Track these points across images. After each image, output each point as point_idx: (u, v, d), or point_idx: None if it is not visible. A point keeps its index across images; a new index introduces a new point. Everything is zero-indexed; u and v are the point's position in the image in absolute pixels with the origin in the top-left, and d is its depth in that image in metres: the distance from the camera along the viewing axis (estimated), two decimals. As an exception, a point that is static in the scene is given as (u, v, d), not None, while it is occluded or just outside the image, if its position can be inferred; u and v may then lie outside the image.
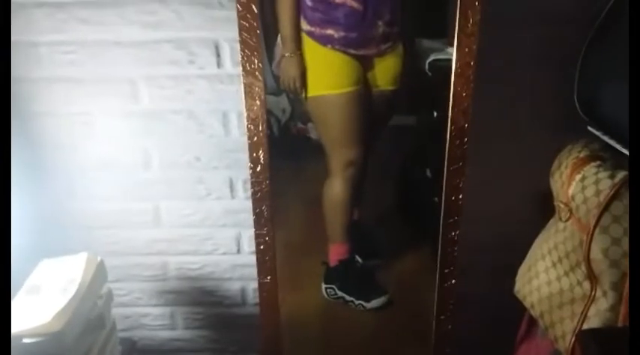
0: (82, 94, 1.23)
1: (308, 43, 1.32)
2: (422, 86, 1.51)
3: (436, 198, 1.34)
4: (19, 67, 1.20)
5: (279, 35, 1.32)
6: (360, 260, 1.60)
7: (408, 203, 1.68)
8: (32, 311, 1.01)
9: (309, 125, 1.58)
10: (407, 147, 1.65)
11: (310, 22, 1.31)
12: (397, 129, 1.58)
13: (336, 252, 1.54)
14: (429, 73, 1.46)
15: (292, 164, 1.54)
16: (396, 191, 1.71)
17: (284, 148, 1.52)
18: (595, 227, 0.97)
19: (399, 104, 1.53)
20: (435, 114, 1.47)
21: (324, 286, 1.56)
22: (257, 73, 1.12)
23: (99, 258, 1.16)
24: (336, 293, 1.56)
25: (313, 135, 1.57)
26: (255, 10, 1.06)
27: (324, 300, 1.59)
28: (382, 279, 1.60)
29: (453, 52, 1.12)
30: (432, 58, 1.44)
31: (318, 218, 1.56)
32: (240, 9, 1.06)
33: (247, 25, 1.07)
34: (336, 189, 1.47)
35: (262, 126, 1.17)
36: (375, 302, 1.54)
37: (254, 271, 1.35)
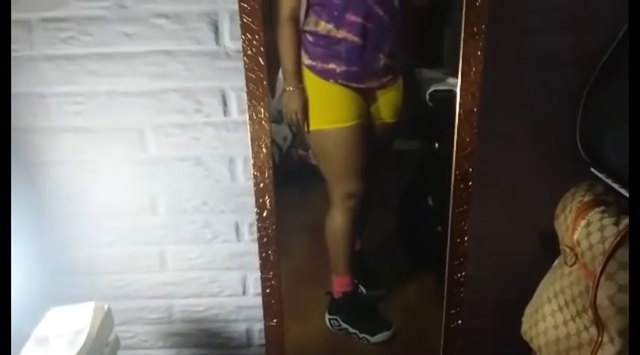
0: (89, 143, 1.24)
1: (309, 77, 1.33)
2: (423, 116, 1.52)
3: (439, 227, 1.35)
4: (28, 117, 1.22)
5: (280, 69, 1.34)
6: (363, 290, 1.60)
7: (411, 232, 1.68)
8: (41, 364, 1.02)
9: (311, 152, 1.59)
10: (408, 174, 1.66)
11: (312, 57, 1.32)
12: (399, 154, 1.59)
13: (339, 284, 1.54)
14: (430, 104, 1.47)
15: (295, 191, 1.54)
16: (398, 219, 1.71)
17: (286, 176, 1.52)
18: (601, 274, 0.98)
19: (400, 130, 1.55)
20: (437, 145, 1.48)
21: (327, 317, 1.56)
22: (263, 121, 1.14)
23: (106, 307, 1.16)
24: (340, 325, 1.55)
25: (315, 161, 1.58)
26: (262, 63, 1.09)
27: (328, 331, 1.58)
28: (386, 311, 1.60)
29: (457, 97, 1.13)
30: (432, 88, 1.45)
31: (321, 246, 1.57)
32: (247, 61, 1.08)
33: (254, 76, 1.09)
34: (337, 220, 1.47)
35: (268, 172, 1.19)
36: (379, 337, 1.53)
37: (259, 312, 1.36)
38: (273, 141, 1.48)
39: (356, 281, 1.57)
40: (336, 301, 1.55)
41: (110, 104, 1.20)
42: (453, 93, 1.18)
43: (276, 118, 1.45)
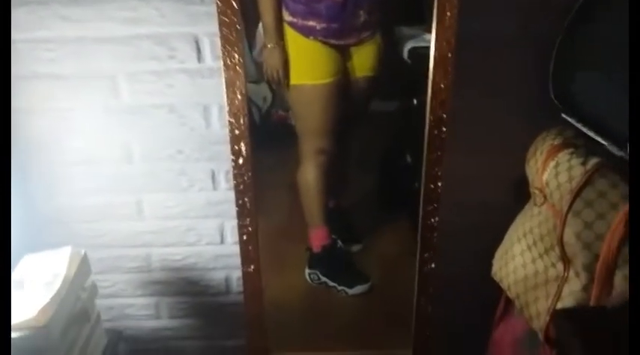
0: (61, 90, 1.22)
1: (290, 34, 1.33)
2: (401, 73, 1.53)
3: (417, 184, 1.37)
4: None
5: (260, 24, 1.33)
6: (342, 245, 1.63)
7: (389, 188, 1.71)
8: (17, 307, 1.02)
9: (290, 112, 1.59)
10: (387, 134, 1.67)
11: (292, 13, 1.32)
12: (378, 115, 1.60)
13: (316, 237, 1.57)
14: (409, 61, 1.48)
15: (274, 151, 1.56)
16: (377, 177, 1.74)
17: (265, 136, 1.53)
18: (568, 212, 1.01)
19: (379, 91, 1.55)
20: (415, 101, 1.49)
21: (307, 271, 1.59)
22: (238, 67, 1.13)
23: (82, 252, 1.17)
24: (319, 279, 1.58)
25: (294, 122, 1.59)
26: (236, 6, 1.07)
27: (307, 285, 1.61)
28: (364, 265, 1.63)
29: (432, 42, 1.14)
30: (411, 45, 1.46)
31: (298, 205, 1.58)
32: (220, 5, 1.06)
33: (227, 20, 1.08)
34: (308, 175, 1.50)
35: (244, 119, 1.19)
36: (357, 289, 1.57)
37: (237, 260, 1.37)
38: (252, 102, 1.49)
39: (334, 236, 1.60)
40: (315, 255, 1.59)
41: (82, 50, 1.18)
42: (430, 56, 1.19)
43: (255, 78, 1.45)
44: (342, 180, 1.63)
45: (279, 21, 1.31)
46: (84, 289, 1.17)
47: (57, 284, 1.06)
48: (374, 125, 1.60)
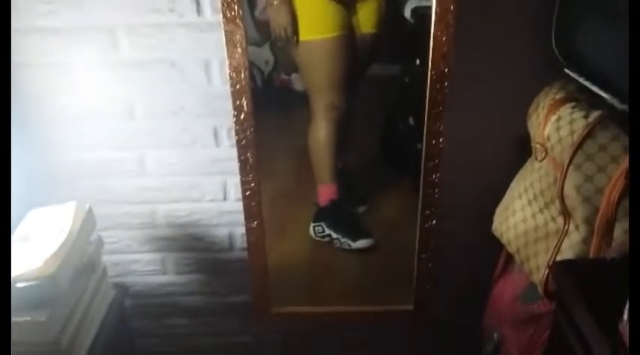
0: (60, 44, 1.21)
1: None
2: (404, 34, 1.52)
3: (419, 145, 1.37)
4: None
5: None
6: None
7: (392, 151, 1.71)
8: (24, 257, 1.04)
9: (293, 76, 1.59)
10: (390, 97, 1.67)
11: None
12: (381, 79, 1.60)
13: (325, 192, 1.59)
14: (411, 20, 1.47)
15: (276, 115, 1.56)
16: (380, 139, 1.74)
17: (268, 100, 1.53)
18: (569, 165, 1.01)
19: (382, 53, 1.55)
20: (418, 61, 1.48)
21: (312, 225, 1.61)
22: (237, 20, 1.12)
23: (87, 206, 1.18)
24: (323, 231, 1.60)
25: (297, 86, 1.58)
26: (235, -44, 1.06)
27: (311, 245, 1.63)
28: (368, 225, 1.65)
29: (433, -2, 1.13)
30: (413, 4, 1.45)
31: (303, 168, 1.59)
32: (220, -46, 1.05)
33: (227, -30, 1.07)
34: (321, 131, 1.51)
35: (244, 73, 1.18)
36: (360, 243, 1.59)
37: (240, 217, 1.39)
38: (255, 66, 1.49)
39: (341, 193, 1.61)
40: (322, 208, 1.61)
41: (80, 2, 1.17)
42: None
43: (257, 41, 1.44)
44: (347, 140, 1.63)
45: None
46: (89, 243, 1.19)
47: (63, 237, 1.08)
48: (377, 88, 1.59)
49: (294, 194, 1.65)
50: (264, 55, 1.52)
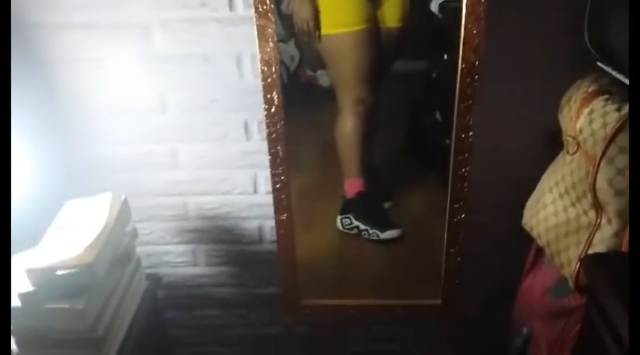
0: (96, 40, 1.24)
1: None
2: (432, 28, 1.52)
3: (447, 140, 1.37)
4: (35, 12, 1.22)
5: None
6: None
7: (420, 146, 1.71)
8: (63, 246, 1.08)
9: (319, 72, 1.60)
10: (416, 92, 1.67)
11: None
12: (407, 74, 1.60)
13: (352, 185, 1.60)
14: (439, 15, 1.47)
15: (302, 111, 1.57)
16: (407, 135, 1.74)
17: (294, 96, 1.54)
18: (601, 158, 1.00)
19: (408, 49, 1.55)
20: (445, 56, 1.48)
21: (339, 217, 1.62)
22: (269, 14, 1.14)
23: (123, 197, 1.21)
24: (351, 223, 1.61)
25: (323, 82, 1.59)
26: (267, -49, 1.07)
27: (339, 238, 1.64)
28: (395, 218, 1.65)
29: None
30: (442, -1, 1.45)
31: (329, 162, 1.61)
32: (252, -51, 1.07)
33: (259, -35, 1.09)
34: (348, 125, 1.52)
35: (275, 67, 1.20)
36: (388, 233, 1.60)
37: (270, 210, 1.41)
38: (280, 62, 1.50)
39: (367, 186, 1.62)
40: (349, 201, 1.62)
41: (116, -1, 1.20)
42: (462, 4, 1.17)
43: (284, 37, 1.45)
44: (373, 135, 1.63)
45: None
46: (125, 234, 1.22)
47: (100, 227, 1.11)
48: (403, 84, 1.59)
49: (320, 188, 1.66)
50: (290, 51, 1.53)
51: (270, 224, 1.47)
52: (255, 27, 1.15)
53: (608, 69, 1.16)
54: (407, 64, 1.60)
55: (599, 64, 1.18)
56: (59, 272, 1.02)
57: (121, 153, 1.38)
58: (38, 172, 1.34)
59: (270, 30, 1.15)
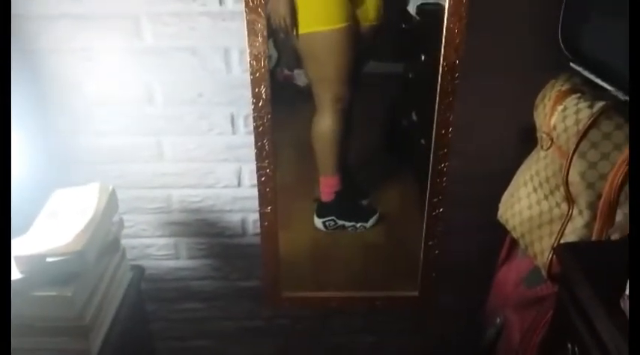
0: (85, 31, 1.25)
1: None
2: (410, 30, 1.56)
3: (423, 140, 1.42)
4: (22, 4, 1.22)
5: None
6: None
7: (396, 146, 1.76)
8: (53, 233, 1.08)
9: (296, 72, 1.62)
10: (393, 93, 1.71)
11: None
12: (384, 76, 1.64)
13: (329, 185, 1.62)
14: (417, 17, 1.52)
15: (278, 111, 1.59)
16: (384, 135, 1.78)
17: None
18: (574, 152, 1.07)
19: (386, 51, 1.59)
20: (423, 57, 1.53)
21: (321, 220, 1.65)
22: (260, 9, 1.17)
23: (111, 187, 1.22)
24: (336, 224, 1.65)
25: (300, 81, 1.60)
26: (259, -53, 1.10)
27: (317, 232, 1.67)
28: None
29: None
30: (420, 2, 1.50)
31: (303, 163, 1.64)
32: (244, -55, 1.10)
33: (251, -39, 1.12)
34: (326, 122, 1.53)
35: (264, 61, 1.23)
36: (372, 220, 1.66)
37: (253, 203, 1.44)
38: None
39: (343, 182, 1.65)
40: (327, 203, 1.64)
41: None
42: (440, 6, 1.22)
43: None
44: (349, 134, 1.67)
45: None
46: (113, 223, 1.23)
47: (89, 215, 1.12)
48: (380, 85, 1.63)
49: (296, 187, 1.68)
50: (268, 50, 1.55)
51: (253, 217, 1.49)
52: (245, 21, 1.17)
53: (580, 69, 1.23)
54: (384, 66, 1.64)
55: (571, 64, 1.25)
56: (49, 260, 1.03)
57: (106, 145, 1.38)
58: (25, 161, 1.34)
59: (259, 25, 1.18)
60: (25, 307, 1.04)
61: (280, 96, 1.60)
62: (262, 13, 1.17)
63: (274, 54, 1.56)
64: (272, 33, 1.42)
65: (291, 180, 1.68)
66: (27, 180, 1.31)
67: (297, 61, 1.53)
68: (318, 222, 1.66)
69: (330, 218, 1.65)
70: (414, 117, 1.68)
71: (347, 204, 1.67)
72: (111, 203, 1.20)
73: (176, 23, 1.25)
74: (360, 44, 1.48)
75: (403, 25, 1.59)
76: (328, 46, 1.46)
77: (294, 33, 1.40)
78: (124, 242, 1.37)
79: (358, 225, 1.64)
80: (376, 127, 1.77)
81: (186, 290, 1.62)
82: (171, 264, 1.58)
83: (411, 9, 1.54)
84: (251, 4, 1.15)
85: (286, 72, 1.62)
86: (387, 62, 1.66)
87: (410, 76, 1.67)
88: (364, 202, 1.72)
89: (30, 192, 1.22)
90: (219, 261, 1.58)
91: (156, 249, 1.55)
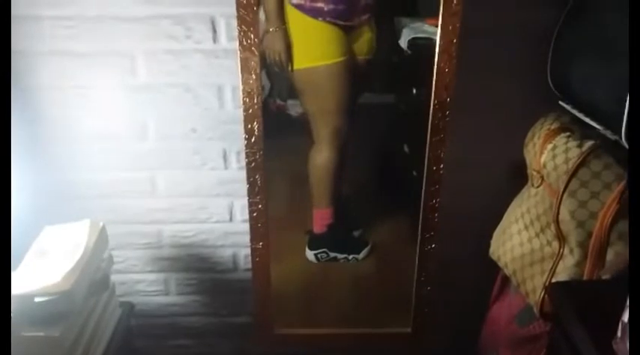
0: (81, 68, 1.26)
1: (296, 17, 1.37)
2: (401, 63, 1.58)
3: (414, 172, 1.42)
4: (21, 40, 1.23)
5: (262, 10, 1.37)
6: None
7: (387, 177, 1.76)
8: (41, 272, 1.07)
9: (289, 102, 1.63)
10: (385, 125, 1.72)
11: None
12: (376, 107, 1.65)
13: (322, 217, 1.62)
14: (408, 51, 1.53)
15: (271, 141, 1.60)
16: (375, 166, 1.79)
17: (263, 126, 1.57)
18: (564, 191, 1.07)
19: (379, 83, 1.60)
20: (414, 90, 1.54)
21: (313, 252, 1.64)
22: (253, 47, 1.18)
23: (101, 224, 1.22)
24: (328, 256, 1.64)
25: (293, 112, 1.61)
26: (253, -13, 1.12)
27: (308, 265, 1.66)
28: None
29: (437, 31, 1.19)
30: (410, 36, 1.52)
31: (295, 193, 1.64)
32: (239, -14, 1.11)
33: (245, 1, 1.13)
34: (324, 154, 1.53)
35: (257, 98, 1.24)
36: (364, 252, 1.66)
37: (245, 238, 1.43)
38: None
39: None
40: (319, 236, 1.64)
41: (101, 28, 1.22)
42: (431, 41, 1.24)
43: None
44: (344, 165, 1.67)
45: (281, 4, 1.34)
46: (102, 260, 1.22)
47: (79, 253, 1.11)
48: (371, 117, 1.64)
49: (288, 218, 1.68)
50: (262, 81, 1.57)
51: (244, 252, 1.49)
52: (238, 59, 1.19)
53: (568, 107, 1.24)
54: (376, 98, 1.65)
55: (560, 103, 1.27)
56: (37, 299, 1.02)
57: (98, 180, 1.38)
58: (17, 196, 1.33)
59: (253, 62, 1.19)
60: (12, 348, 1.02)
61: (273, 126, 1.61)
62: (256, 51, 1.18)
63: (267, 84, 1.58)
64: (265, 65, 1.44)
65: (282, 211, 1.67)
66: (18, 215, 1.30)
67: (290, 92, 1.54)
68: (310, 254, 1.65)
69: (322, 250, 1.64)
70: (406, 149, 1.69)
71: (339, 236, 1.66)
72: (101, 240, 1.20)
73: (170, 60, 1.26)
74: (355, 77, 1.49)
75: (395, 59, 1.61)
76: (325, 80, 1.47)
77: (290, 68, 1.41)
78: (113, 277, 1.36)
79: (350, 257, 1.64)
80: (368, 159, 1.77)
81: (176, 326, 1.60)
82: (161, 299, 1.56)
83: (403, 43, 1.56)
84: (245, 42, 1.17)
85: (279, 102, 1.63)
86: (380, 94, 1.67)
87: (402, 107, 1.68)
88: (356, 234, 1.71)
89: (20, 227, 1.21)
90: (209, 297, 1.56)
91: (146, 285, 1.54)
